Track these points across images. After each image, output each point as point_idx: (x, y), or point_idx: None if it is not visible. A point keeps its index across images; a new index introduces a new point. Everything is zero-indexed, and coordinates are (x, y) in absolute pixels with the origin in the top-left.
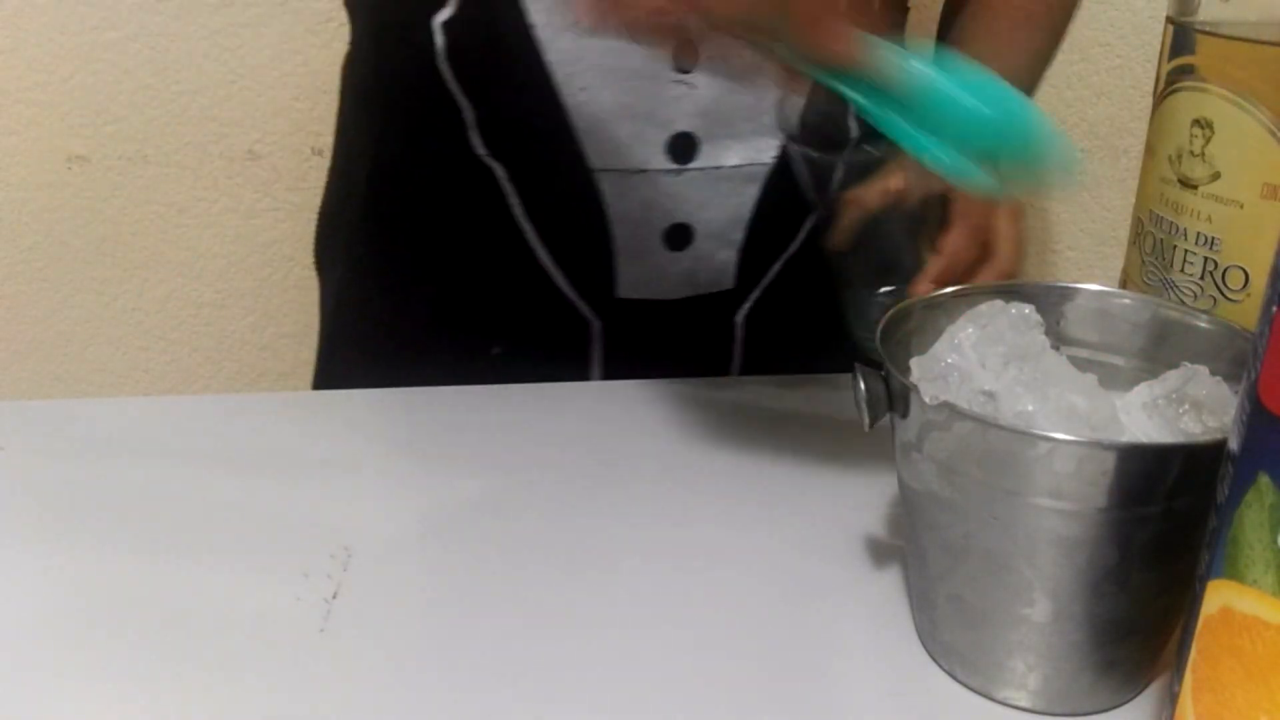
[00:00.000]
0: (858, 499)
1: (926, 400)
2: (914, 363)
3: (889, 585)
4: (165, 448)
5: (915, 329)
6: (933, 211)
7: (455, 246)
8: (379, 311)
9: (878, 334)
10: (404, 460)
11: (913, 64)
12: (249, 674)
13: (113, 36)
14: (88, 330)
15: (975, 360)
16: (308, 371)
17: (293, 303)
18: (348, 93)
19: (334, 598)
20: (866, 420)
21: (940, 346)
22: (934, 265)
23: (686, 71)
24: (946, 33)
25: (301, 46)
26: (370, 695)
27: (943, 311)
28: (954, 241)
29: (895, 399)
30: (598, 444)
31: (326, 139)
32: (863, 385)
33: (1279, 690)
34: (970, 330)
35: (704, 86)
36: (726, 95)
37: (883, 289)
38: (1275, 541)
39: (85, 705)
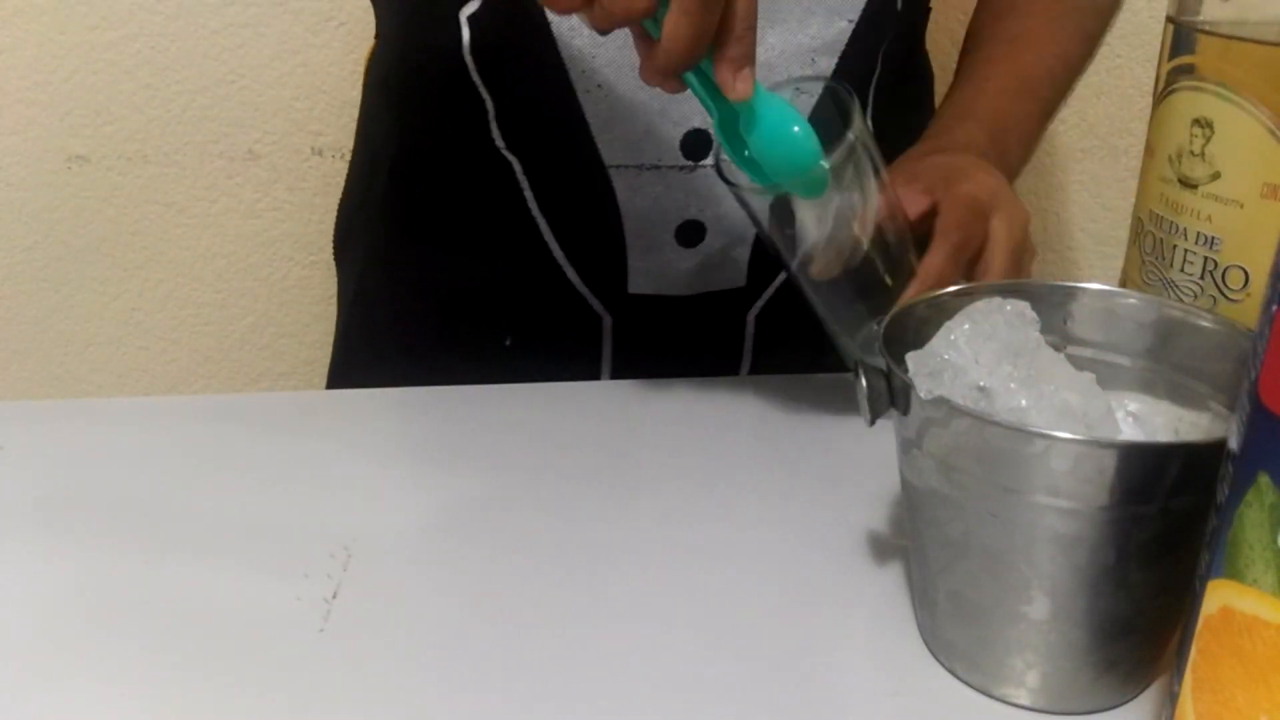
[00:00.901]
0: (861, 497)
1: (921, 394)
2: (910, 358)
3: (892, 583)
4: (165, 448)
5: (919, 327)
6: (915, 232)
7: (472, 238)
8: (395, 304)
9: (877, 346)
10: (404, 460)
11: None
12: (249, 674)
13: (113, 36)
14: (88, 330)
15: (970, 356)
16: (308, 371)
17: (293, 303)
18: (372, 87)
19: (334, 598)
20: (868, 417)
21: (936, 342)
22: (912, 289)
23: None
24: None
25: (301, 46)
26: (370, 695)
27: (946, 310)
28: (933, 263)
29: (896, 395)
30: (597, 444)
31: (327, 139)
32: (864, 382)
33: (1279, 690)
34: (965, 326)
35: None
36: None
37: (870, 313)
38: (1275, 541)
39: (85, 705)
